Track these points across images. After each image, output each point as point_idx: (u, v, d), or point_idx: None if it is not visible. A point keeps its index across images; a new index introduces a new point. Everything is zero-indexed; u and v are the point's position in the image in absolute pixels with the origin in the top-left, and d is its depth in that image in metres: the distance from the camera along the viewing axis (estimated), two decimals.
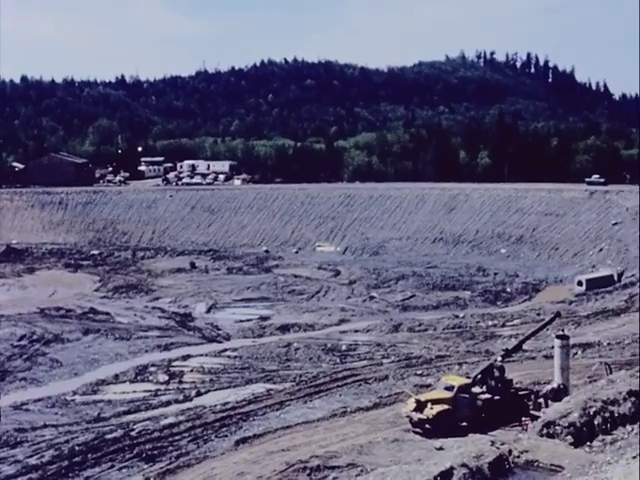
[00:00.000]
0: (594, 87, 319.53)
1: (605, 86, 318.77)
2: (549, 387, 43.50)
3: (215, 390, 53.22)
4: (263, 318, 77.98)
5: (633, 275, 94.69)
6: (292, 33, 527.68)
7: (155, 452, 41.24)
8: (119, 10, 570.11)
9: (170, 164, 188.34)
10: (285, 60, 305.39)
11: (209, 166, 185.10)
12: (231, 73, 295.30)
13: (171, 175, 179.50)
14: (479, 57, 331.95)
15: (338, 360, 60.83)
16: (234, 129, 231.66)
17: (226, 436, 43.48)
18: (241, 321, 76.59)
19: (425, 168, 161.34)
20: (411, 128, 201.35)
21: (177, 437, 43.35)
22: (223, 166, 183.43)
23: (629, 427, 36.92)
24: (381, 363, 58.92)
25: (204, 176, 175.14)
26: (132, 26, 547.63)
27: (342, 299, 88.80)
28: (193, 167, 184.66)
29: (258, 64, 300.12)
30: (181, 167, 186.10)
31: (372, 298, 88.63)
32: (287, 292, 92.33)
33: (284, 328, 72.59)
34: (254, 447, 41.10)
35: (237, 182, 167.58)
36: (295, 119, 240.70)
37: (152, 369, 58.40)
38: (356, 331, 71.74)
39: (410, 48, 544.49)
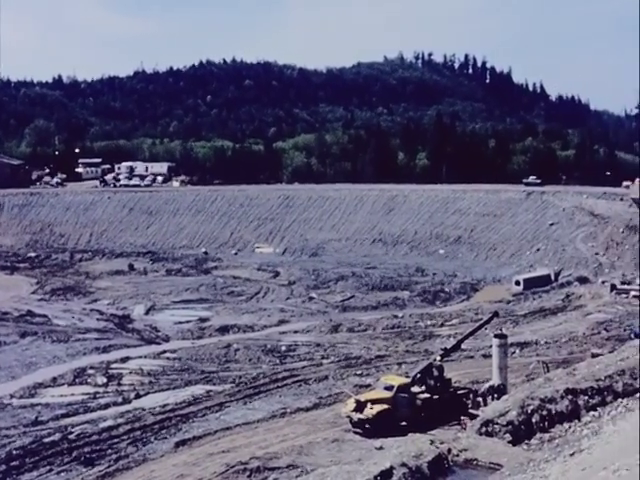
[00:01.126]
0: (531, 88, 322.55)
1: (542, 87, 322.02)
2: (487, 386, 43.82)
3: (154, 392, 52.79)
4: (202, 319, 77.58)
5: (569, 274, 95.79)
6: (231, 33, 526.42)
7: (94, 455, 40.82)
8: (55, 9, 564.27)
9: (108, 166, 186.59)
10: (224, 61, 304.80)
11: (147, 168, 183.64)
12: (169, 74, 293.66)
13: (109, 177, 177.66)
14: (417, 58, 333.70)
15: (278, 361, 60.72)
16: (172, 130, 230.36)
17: (165, 438, 43.20)
18: (180, 323, 76.10)
19: (364, 169, 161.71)
20: (350, 129, 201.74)
21: (116, 440, 42.96)
22: (161, 167, 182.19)
23: (566, 425, 37.29)
24: (321, 363, 58.96)
25: (142, 178, 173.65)
26: (69, 25, 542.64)
27: (281, 300, 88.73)
28: (131, 169, 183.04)
29: (196, 65, 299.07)
30: (119, 169, 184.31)
31: (311, 299, 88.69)
32: (226, 293, 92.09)
33: (223, 329, 72.27)
34: (194, 449, 40.92)
35: (175, 184, 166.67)
36: (234, 120, 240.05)
37: (90, 372, 57.78)
38: (296, 332, 71.66)
39: (349, 49, 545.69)
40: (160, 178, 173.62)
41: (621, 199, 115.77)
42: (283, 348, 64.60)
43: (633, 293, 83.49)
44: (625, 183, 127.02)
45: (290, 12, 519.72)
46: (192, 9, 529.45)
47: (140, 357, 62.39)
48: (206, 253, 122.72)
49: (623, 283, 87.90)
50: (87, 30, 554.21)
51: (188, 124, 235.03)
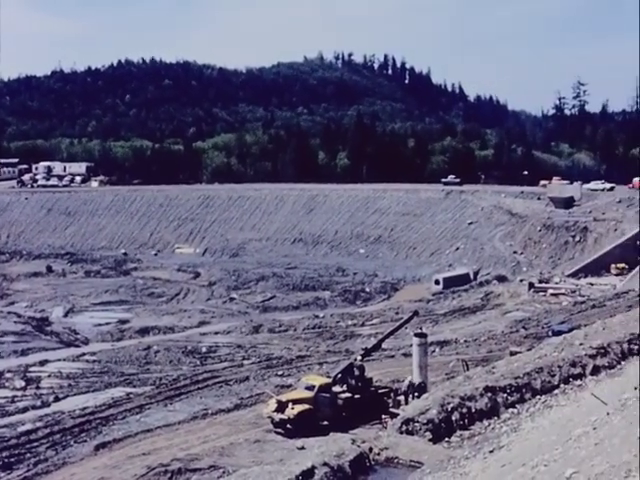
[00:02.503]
0: (450, 89, 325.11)
1: (460, 88, 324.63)
2: (407, 384, 44.02)
3: (74, 395, 52.19)
4: (122, 321, 76.94)
5: (488, 273, 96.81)
6: (150, 33, 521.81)
7: (12, 459, 40.23)
8: None
9: (25, 166, 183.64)
10: (143, 60, 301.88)
11: (65, 168, 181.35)
12: (87, 73, 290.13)
13: (26, 177, 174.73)
14: (337, 58, 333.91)
15: (198, 362, 60.42)
16: (91, 130, 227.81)
17: (85, 441, 42.72)
18: (99, 325, 75.39)
19: (284, 169, 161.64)
20: (270, 129, 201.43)
21: (35, 444, 42.37)
22: (80, 168, 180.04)
23: (486, 422, 37.64)
24: (242, 364, 58.78)
25: (60, 178, 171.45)
26: None
27: (202, 301, 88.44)
28: (49, 169, 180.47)
29: (115, 64, 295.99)
30: (36, 169, 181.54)
31: (232, 299, 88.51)
32: (146, 295, 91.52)
33: (143, 331, 71.75)
34: (114, 452, 40.54)
35: (94, 184, 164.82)
36: (153, 120, 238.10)
37: (8, 375, 56.89)
38: (216, 333, 71.37)
39: (269, 49, 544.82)
40: (78, 178, 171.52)
41: (538, 198, 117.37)
42: (204, 349, 64.29)
43: (550, 291, 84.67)
44: (542, 182, 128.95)
45: (209, 12, 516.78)
46: (111, 8, 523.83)
47: (59, 360, 61.64)
48: (125, 254, 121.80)
49: (541, 281, 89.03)
50: (3, 28, 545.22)
51: (107, 124, 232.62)
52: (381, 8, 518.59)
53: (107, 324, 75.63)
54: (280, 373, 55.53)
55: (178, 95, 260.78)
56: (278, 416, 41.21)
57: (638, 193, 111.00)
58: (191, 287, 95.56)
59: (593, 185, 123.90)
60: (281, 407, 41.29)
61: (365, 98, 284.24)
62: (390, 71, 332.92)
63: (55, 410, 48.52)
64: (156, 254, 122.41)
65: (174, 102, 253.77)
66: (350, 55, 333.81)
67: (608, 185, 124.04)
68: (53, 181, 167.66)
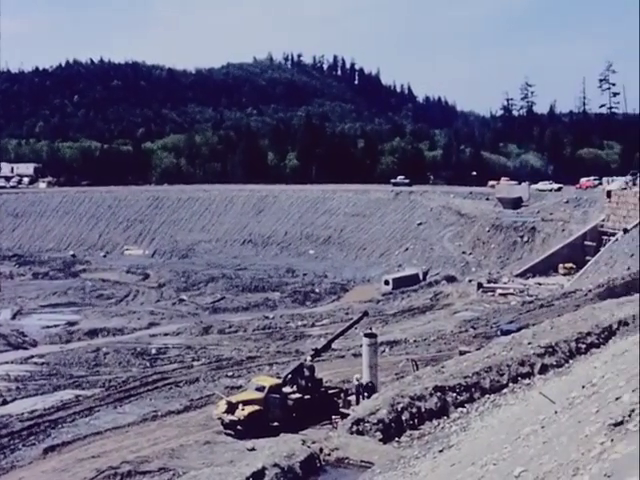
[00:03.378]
0: (399, 89, 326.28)
1: (409, 88, 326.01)
2: (357, 384, 44.11)
3: (22, 398, 51.64)
4: (71, 323, 76.37)
5: (437, 273, 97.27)
6: (98, 33, 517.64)
7: None
8: None
9: None
10: (91, 60, 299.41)
11: (13, 169, 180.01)
12: (35, 73, 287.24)
13: None
14: (286, 59, 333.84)
15: (148, 364, 60.12)
16: (39, 130, 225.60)
17: (34, 444, 42.31)
18: (48, 327, 74.72)
19: (234, 170, 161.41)
20: (219, 130, 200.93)
21: None
22: (27, 168, 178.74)
23: (435, 422, 37.81)
24: (191, 366, 58.56)
25: (7, 179, 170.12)
26: None
27: (151, 302, 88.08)
28: None
29: (63, 64, 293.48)
30: None
31: (182, 301, 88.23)
32: (95, 296, 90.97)
33: (92, 333, 71.28)
34: (63, 455, 40.22)
35: (42, 185, 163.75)
36: (102, 120, 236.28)
37: None
38: (166, 334, 71.09)
39: (218, 49, 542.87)
40: (26, 179, 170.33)
41: (487, 198, 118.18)
42: (153, 351, 64.01)
43: (499, 291, 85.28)
44: (490, 183, 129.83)
45: (158, 12, 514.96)
46: (58, 8, 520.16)
47: (7, 363, 61.07)
48: (74, 256, 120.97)
49: (489, 281, 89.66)
50: None
51: (55, 124, 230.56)
52: (330, 9, 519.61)
53: (55, 326, 74.97)
54: (230, 374, 55.40)
55: (127, 96, 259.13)
56: (228, 417, 41.12)
57: (585, 193, 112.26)
58: (140, 288, 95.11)
59: (541, 185, 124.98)
60: (231, 408, 41.21)
61: (314, 99, 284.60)
62: (339, 72, 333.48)
63: (3, 413, 47.99)
64: (105, 256, 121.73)
65: (123, 103, 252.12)
66: (299, 56, 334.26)
67: (556, 185, 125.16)
68: (0, 182, 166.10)
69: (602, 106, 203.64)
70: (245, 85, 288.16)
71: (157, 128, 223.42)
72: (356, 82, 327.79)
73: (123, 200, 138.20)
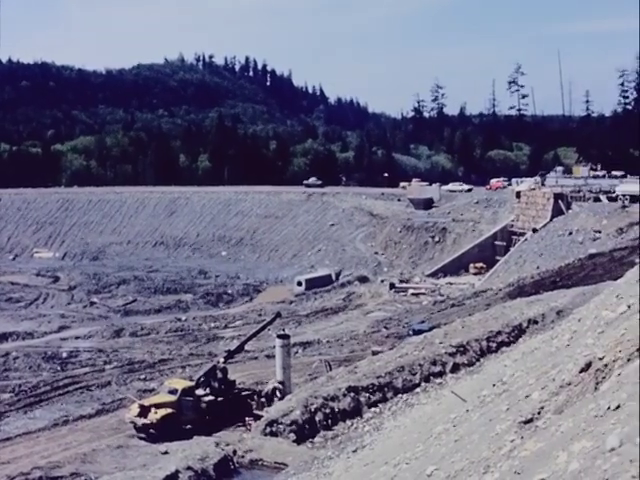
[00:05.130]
0: (311, 91, 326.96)
1: (321, 90, 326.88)
2: (271, 386, 44.13)
3: None
4: None
5: (350, 274, 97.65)
6: (5, 33, 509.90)
7: None
8: None
9: None
10: None
11: None
12: None
13: None
14: (198, 60, 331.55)
15: (59, 368, 59.32)
16: None
17: None
18: None
19: (145, 172, 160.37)
20: (130, 131, 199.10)
21: None
22: None
23: (349, 422, 37.98)
24: (103, 369, 57.96)
25: None
26: None
27: (62, 305, 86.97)
28: None
29: None
30: None
31: (93, 304, 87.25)
32: (4, 300, 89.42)
33: (1, 337, 69.97)
34: None
35: None
36: (10, 122, 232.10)
37: None
38: (77, 337, 70.19)
39: (128, 50, 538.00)
40: None
41: (398, 199, 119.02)
42: (64, 355, 63.19)
43: (411, 291, 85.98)
44: (402, 184, 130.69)
45: (68, 12, 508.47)
46: None
47: None
48: None
49: (401, 281, 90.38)
50: None
51: None
52: (242, 10, 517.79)
53: None
54: (142, 377, 54.97)
55: (36, 96, 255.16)
56: (141, 421, 40.82)
57: (495, 194, 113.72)
58: (50, 291, 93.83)
59: (451, 186, 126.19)
60: (144, 412, 40.91)
61: (226, 100, 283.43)
62: (251, 73, 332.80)
63: None
64: (14, 258, 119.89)
65: (32, 104, 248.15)
66: (211, 57, 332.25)
67: (466, 186, 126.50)
68: None
69: (511, 108, 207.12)
70: (156, 86, 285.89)
71: (67, 130, 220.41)
72: (268, 83, 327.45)
73: (32, 202, 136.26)
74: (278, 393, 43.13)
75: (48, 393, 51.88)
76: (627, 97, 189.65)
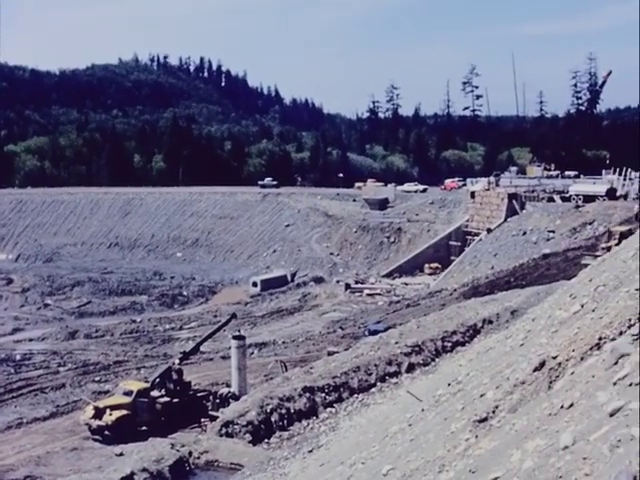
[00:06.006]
0: (266, 92, 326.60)
1: (276, 91, 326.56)
2: (226, 388, 44.10)
3: None
4: None
5: (305, 275, 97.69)
6: None
7: None
8: None
9: None
10: None
11: None
12: None
13: None
14: (152, 60, 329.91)
15: (12, 370, 58.87)
16: None
17: None
18: None
19: (99, 172, 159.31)
20: (84, 132, 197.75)
21: None
22: None
23: (305, 422, 38.01)
24: (58, 371, 57.63)
25: None
26: None
27: (15, 308, 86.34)
28: None
29: None
30: None
31: (47, 306, 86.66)
32: None
33: None
34: None
35: None
36: None
37: None
38: (31, 340, 69.76)
39: (82, 50, 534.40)
40: None
41: (354, 200, 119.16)
42: (18, 357, 62.77)
43: (366, 291, 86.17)
44: (357, 184, 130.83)
45: (20, 12, 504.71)
46: None
47: None
48: None
49: (357, 282, 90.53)
50: None
51: None
52: (197, 10, 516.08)
53: None
54: (97, 379, 54.73)
55: None
56: (96, 423, 40.62)
57: (450, 194, 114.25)
58: (4, 293, 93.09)
59: (406, 187, 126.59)
60: (98, 413, 40.73)
61: (181, 101, 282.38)
62: (206, 73, 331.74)
63: None
64: None
65: None
66: (166, 57, 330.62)
67: (421, 187, 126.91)
68: None
69: (466, 109, 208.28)
70: (110, 86, 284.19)
71: (20, 130, 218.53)
72: (223, 84, 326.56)
73: None
74: (231, 400, 43.06)
75: (2, 396, 51.54)
76: (580, 98, 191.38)
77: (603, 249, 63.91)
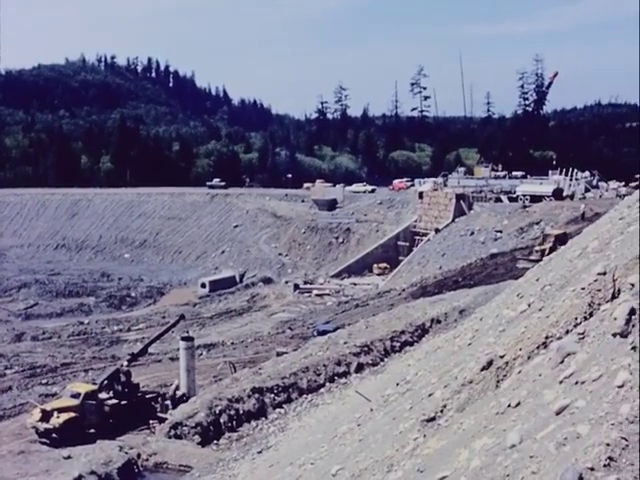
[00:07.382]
0: (214, 92, 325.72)
1: (224, 91, 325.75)
2: (174, 389, 43.91)
3: None
4: None
5: (254, 275, 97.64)
6: None
7: None
8: None
9: None
10: None
11: None
12: None
13: None
14: (100, 61, 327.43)
15: None
16: None
17: None
18: None
19: (46, 173, 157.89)
20: (30, 132, 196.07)
21: None
22: None
23: (254, 423, 37.97)
24: (4, 374, 57.05)
25: None
26: None
27: None
28: None
29: None
30: None
31: None
32: None
33: None
34: None
35: None
36: None
37: None
38: None
39: (28, 50, 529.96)
40: None
41: (302, 200, 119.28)
42: None
43: (315, 292, 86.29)
44: (306, 185, 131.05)
45: None
46: None
47: None
48: None
49: (305, 282, 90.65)
50: None
51: None
52: (144, 10, 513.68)
53: None
54: (44, 382, 54.27)
55: None
56: (43, 426, 40.22)
57: (398, 195, 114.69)
58: None
59: (355, 187, 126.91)
60: (46, 416, 40.33)
61: (129, 101, 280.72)
62: (154, 74, 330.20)
63: None
64: None
65: None
66: (113, 57, 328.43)
67: (369, 187, 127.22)
68: None
69: (414, 109, 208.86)
70: (57, 87, 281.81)
71: None
72: (171, 85, 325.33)
73: None
74: (183, 397, 42.91)
75: None
76: (527, 99, 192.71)
77: (537, 252, 64.76)
